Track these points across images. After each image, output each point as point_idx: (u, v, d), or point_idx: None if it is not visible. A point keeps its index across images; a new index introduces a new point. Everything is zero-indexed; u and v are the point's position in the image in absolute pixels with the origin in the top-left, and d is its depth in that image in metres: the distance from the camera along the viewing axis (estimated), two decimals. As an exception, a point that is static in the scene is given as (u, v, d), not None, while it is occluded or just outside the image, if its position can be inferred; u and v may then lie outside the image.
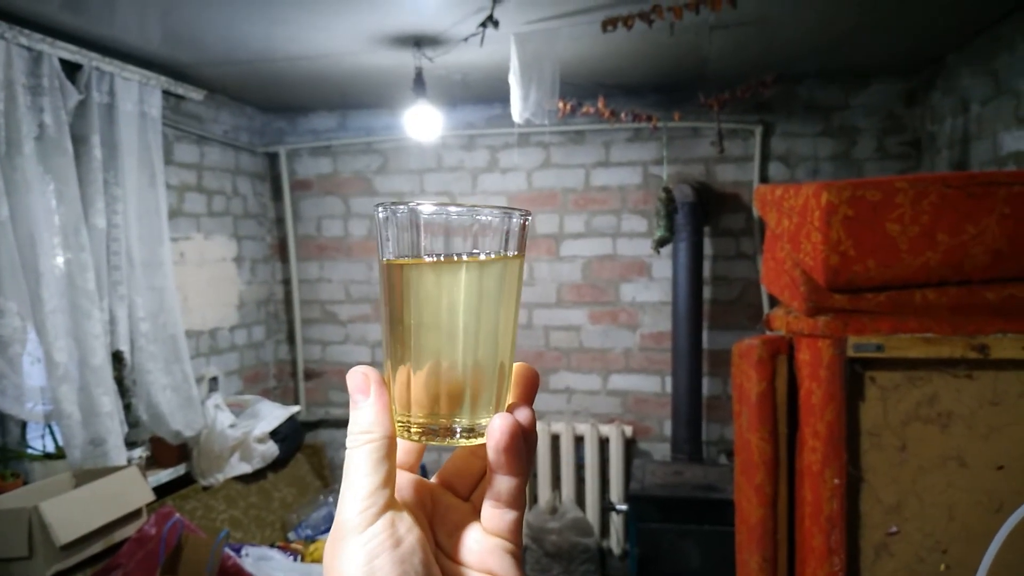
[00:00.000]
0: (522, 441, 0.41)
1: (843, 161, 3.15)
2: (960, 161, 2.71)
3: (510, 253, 0.43)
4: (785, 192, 1.46)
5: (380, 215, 0.43)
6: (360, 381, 0.42)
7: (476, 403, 0.43)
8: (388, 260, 0.43)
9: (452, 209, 0.42)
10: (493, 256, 0.43)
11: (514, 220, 0.43)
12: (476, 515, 0.43)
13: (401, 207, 0.42)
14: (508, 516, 0.42)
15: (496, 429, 0.40)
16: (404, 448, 0.45)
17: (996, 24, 2.39)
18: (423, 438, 0.43)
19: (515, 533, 0.42)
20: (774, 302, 3.07)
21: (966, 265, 1.28)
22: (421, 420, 0.43)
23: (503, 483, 0.41)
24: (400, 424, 0.43)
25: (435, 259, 0.42)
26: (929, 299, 1.31)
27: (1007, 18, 2.32)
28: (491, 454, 0.41)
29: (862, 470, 1.38)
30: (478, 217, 0.42)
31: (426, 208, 0.42)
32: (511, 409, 0.43)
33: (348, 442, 0.42)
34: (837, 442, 1.35)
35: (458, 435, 0.43)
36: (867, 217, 1.29)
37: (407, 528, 0.40)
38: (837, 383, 1.35)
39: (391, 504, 0.40)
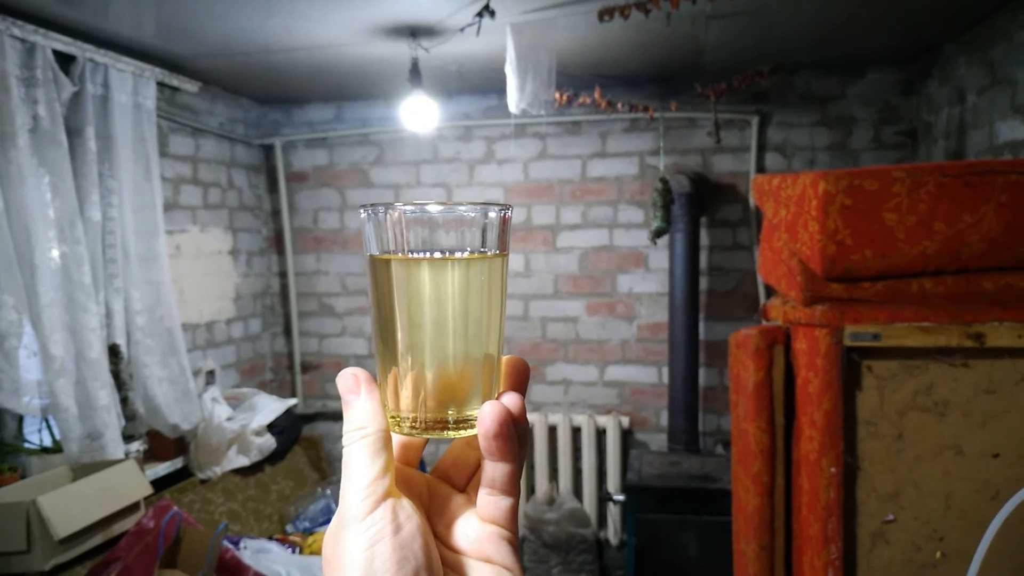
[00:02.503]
0: (512, 427, 0.42)
1: (839, 151, 3.15)
2: (956, 151, 2.71)
3: (492, 248, 0.44)
4: (782, 182, 1.46)
5: (363, 217, 0.44)
6: (350, 382, 0.43)
7: (466, 395, 0.44)
8: (373, 259, 0.44)
9: (434, 207, 0.43)
10: (475, 252, 0.44)
11: (494, 214, 0.44)
12: (473, 504, 0.44)
13: (382, 208, 0.43)
14: (503, 503, 0.43)
15: (486, 416, 0.41)
16: (402, 444, 0.46)
17: (992, 13, 2.39)
18: (415, 431, 0.44)
19: (511, 520, 0.43)
20: (771, 292, 3.07)
21: (963, 254, 1.28)
22: (412, 414, 0.44)
23: (496, 470, 0.42)
24: (392, 419, 0.44)
25: (417, 256, 0.43)
26: (926, 288, 1.32)
27: (1003, 7, 2.31)
28: (482, 440, 0.42)
29: (859, 459, 1.38)
30: (460, 213, 0.43)
31: (408, 207, 0.43)
32: (500, 397, 0.43)
33: (344, 440, 0.42)
34: (834, 431, 1.36)
35: (450, 427, 0.44)
36: (864, 206, 1.29)
37: (407, 515, 0.40)
38: (834, 372, 1.35)
39: (391, 492, 0.41)
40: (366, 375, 0.44)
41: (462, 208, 0.43)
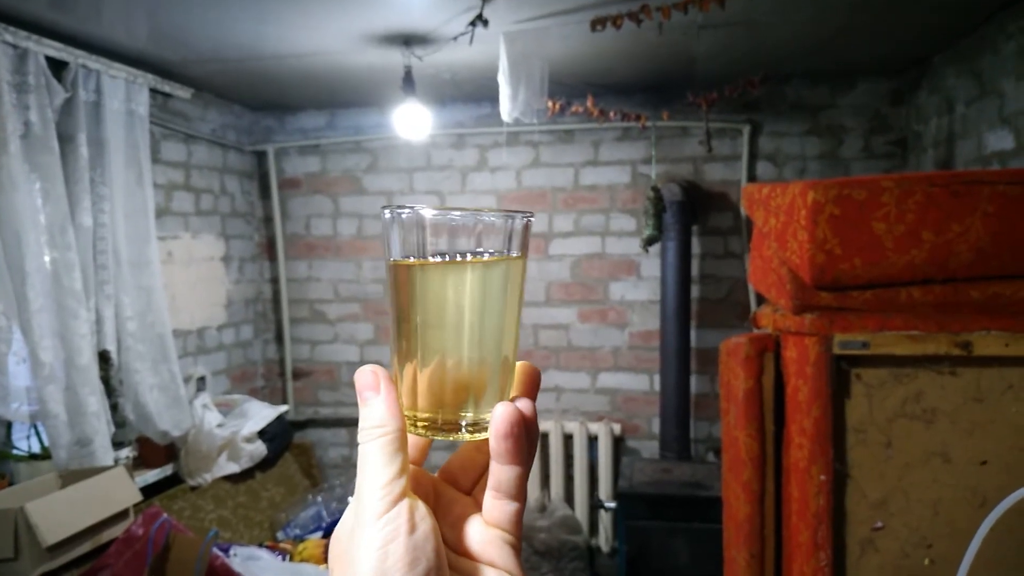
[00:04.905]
0: (523, 429, 0.42)
1: (830, 160, 3.17)
2: (945, 160, 2.73)
3: (513, 253, 0.44)
4: (772, 191, 1.47)
5: (386, 217, 0.44)
6: (370, 379, 0.43)
7: (481, 398, 0.44)
8: (395, 261, 0.44)
9: (456, 212, 0.43)
10: (496, 256, 0.44)
11: (517, 221, 0.44)
12: (478, 508, 0.44)
13: (407, 210, 0.43)
14: (508, 508, 0.43)
15: (498, 417, 0.42)
16: (410, 444, 0.46)
17: (981, 25, 2.41)
18: (429, 432, 0.44)
19: (515, 525, 0.43)
20: (761, 300, 3.08)
21: (951, 263, 1.29)
22: (427, 415, 0.44)
23: (504, 473, 0.42)
24: (407, 419, 0.44)
25: (440, 260, 0.43)
26: (914, 297, 1.33)
27: (991, 19, 2.34)
28: (493, 441, 0.42)
29: (848, 466, 1.39)
30: (482, 219, 0.43)
31: (431, 211, 0.43)
32: (512, 401, 0.44)
33: (361, 437, 0.42)
34: (823, 439, 1.36)
35: (463, 430, 0.44)
36: (853, 216, 1.30)
37: (421, 516, 0.40)
38: (823, 380, 1.36)
39: (407, 493, 0.41)
40: (385, 373, 0.43)
41: (487, 214, 0.43)
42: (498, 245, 0.44)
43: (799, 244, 1.34)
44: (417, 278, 0.43)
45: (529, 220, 0.45)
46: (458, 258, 0.43)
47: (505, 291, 0.45)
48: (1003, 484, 1.31)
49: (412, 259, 0.43)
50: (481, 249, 0.43)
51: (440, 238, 0.43)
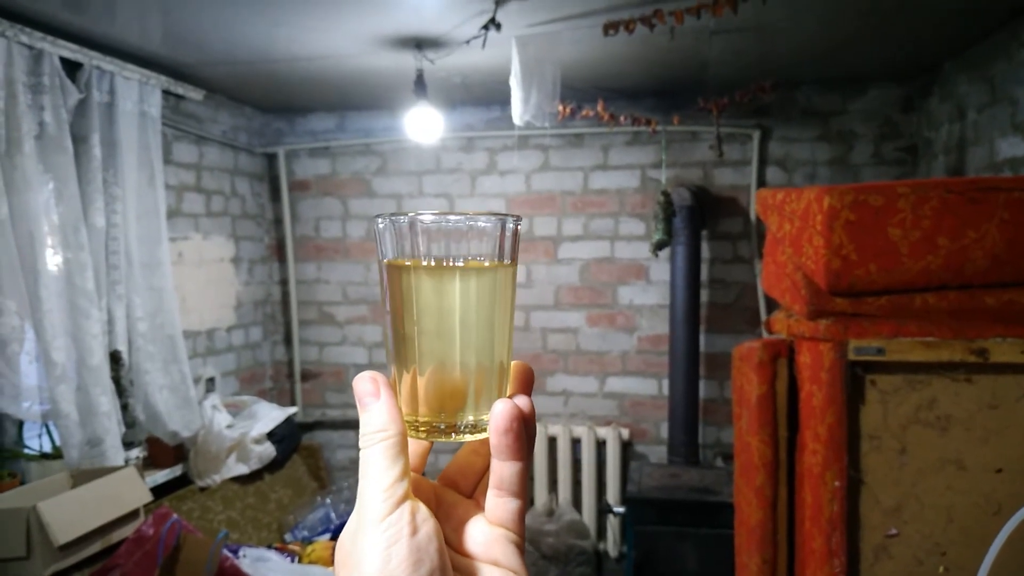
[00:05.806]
0: (522, 424, 0.43)
1: (840, 166, 3.17)
2: (956, 167, 2.73)
3: (504, 257, 0.45)
4: (787, 196, 1.47)
5: (379, 226, 0.45)
6: (369, 385, 0.44)
7: (479, 400, 0.45)
8: (388, 261, 0.45)
9: (449, 217, 0.44)
10: (487, 260, 0.45)
11: (507, 225, 0.45)
12: (479, 510, 0.45)
13: (400, 217, 0.44)
14: (511, 505, 0.44)
15: (497, 414, 0.43)
16: (409, 451, 0.47)
17: (993, 32, 2.41)
18: (430, 436, 0.45)
19: (518, 523, 0.44)
20: (771, 306, 3.08)
21: (966, 270, 1.29)
22: (427, 419, 0.45)
23: (505, 469, 0.43)
24: (407, 423, 0.45)
25: (432, 264, 0.44)
26: (929, 303, 1.32)
27: (1003, 27, 2.34)
28: (493, 438, 0.43)
29: (862, 473, 1.39)
30: (472, 223, 0.44)
31: (423, 217, 0.44)
32: (510, 397, 0.44)
33: (362, 442, 0.43)
34: (838, 445, 1.36)
35: (463, 431, 0.45)
36: (869, 222, 1.30)
37: (423, 518, 0.41)
38: (838, 386, 1.36)
39: (409, 495, 0.41)
40: (384, 379, 0.44)
41: (477, 219, 0.44)
42: (488, 248, 0.44)
43: (815, 249, 1.34)
44: (411, 284, 0.44)
45: (517, 224, 0.46)
46: (451, 262, 0.44)
47: (496, 294, 0.45)
48: (1018, 492, 1.31)
49: (405, 264, 0.44)
50: (472, 254, 0.44)
51: (432, 244, 0.44)
